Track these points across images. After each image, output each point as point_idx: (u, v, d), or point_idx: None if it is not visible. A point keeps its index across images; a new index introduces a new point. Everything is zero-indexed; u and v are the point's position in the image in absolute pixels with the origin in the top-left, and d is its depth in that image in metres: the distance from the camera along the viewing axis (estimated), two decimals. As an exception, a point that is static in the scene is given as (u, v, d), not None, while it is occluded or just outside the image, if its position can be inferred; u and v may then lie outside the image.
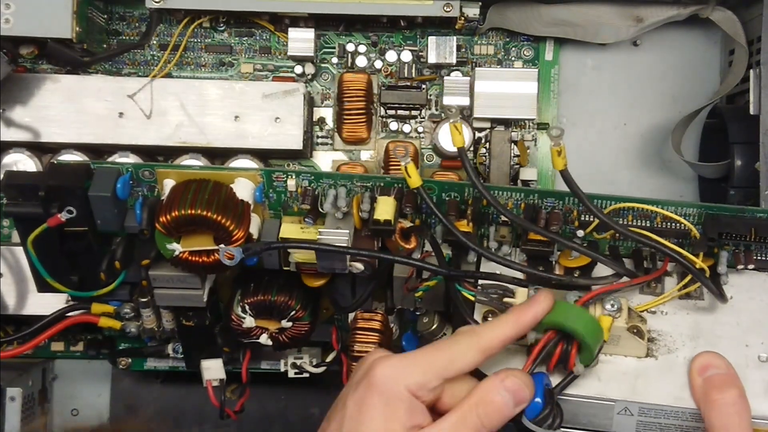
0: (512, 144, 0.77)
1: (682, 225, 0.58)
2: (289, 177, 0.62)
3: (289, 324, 0.67)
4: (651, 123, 0.81)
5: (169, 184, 0.61)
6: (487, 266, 0.60)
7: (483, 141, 0.78)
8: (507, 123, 0.77)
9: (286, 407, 0.88)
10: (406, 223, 0.61)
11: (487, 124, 0.77)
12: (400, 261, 0.61)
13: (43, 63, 0.77)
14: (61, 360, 0.86)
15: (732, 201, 0.73)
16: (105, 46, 0.79)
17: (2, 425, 0.76)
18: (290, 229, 0.63)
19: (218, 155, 0.75)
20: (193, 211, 0.58)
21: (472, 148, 0.78)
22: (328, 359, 0.75)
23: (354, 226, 0.62)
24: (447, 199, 0.61)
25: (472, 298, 0.58)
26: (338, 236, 0.60)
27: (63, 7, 0.71)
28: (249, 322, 0.67)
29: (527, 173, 0.78)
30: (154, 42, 0.79)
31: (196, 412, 0.88)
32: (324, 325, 0.73)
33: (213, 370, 0.72)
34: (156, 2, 0.72)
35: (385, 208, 0.59)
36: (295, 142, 0.74)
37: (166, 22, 0.79)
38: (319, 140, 0.79)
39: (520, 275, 0.57)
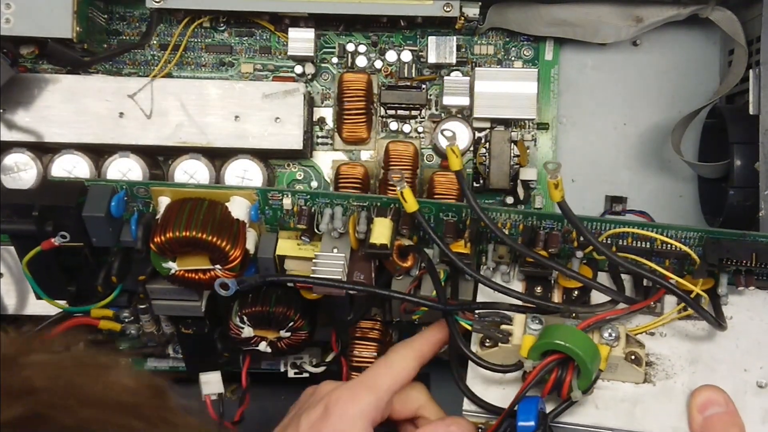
0: (512, 144, 0.77)
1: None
2: (285, 196, 0.61)
3: (288, 334, 0.67)
4: (651, 123, 0.81)
5: (164, 201, 0.61)
6: (484, 289, 0.59)
7: (483, 141, 0.78)
8: (507, 123, 0.77)
9: (286, 407, 0.88)
10: (404, 242, 0.61)
11: (487, 124, 0.77)
12: (396, 297, 0.61)
13: (43, 63, 0.77)
14: (62, 360, 0.86)
15: (732, 201, 0.73)
16: (105, 46, 0.79)
17: (3, 425, 0.76)
18: (287, 246, 0.62)
19: (218, 155, 0.75)
20: (188, 233, 0.58)
21: (472, 148, 0.78)
22: (328, 359, 0.75)
23: (351, 246, 0.61)
24: (444, 219, 0.61)
25: (470, 328, 0.57)
26: (334, 260, 0.59)
27: (63, 7, 0.71)
28: (247, 332, 0.66)
29: (527, 173, 0.77)
30: (155, 42, 0.79)
31: (197, 412, 0.88)
32: (324, 327, 0.73)
33: (211, 384, 0.71)
34: (156, 2, 0.72)
35: (381, 231, 0.59)
36: (295, 142, 0.74)
37: (167, 22, 0.79)
38: (319, 140, 0.79)
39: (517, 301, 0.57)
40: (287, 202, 0.62)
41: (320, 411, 0.53)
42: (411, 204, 0.57)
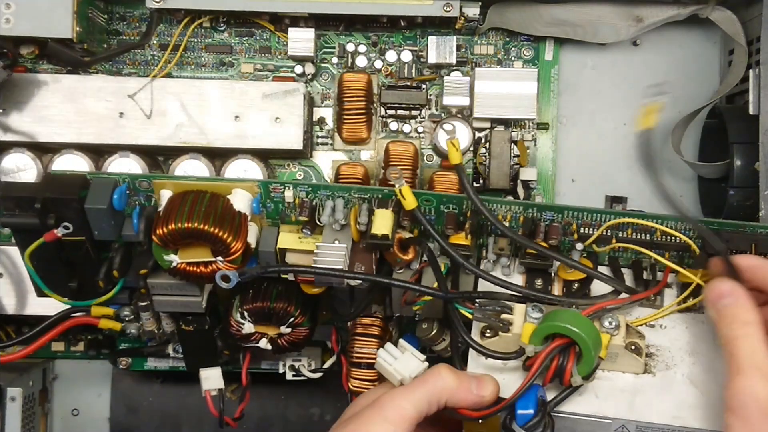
0: (512, 144, 0.77)
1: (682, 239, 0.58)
2: (287, 188, 0.61)
3: (288, 330, 0.67)
4: (651, 123, 0.81)
5: (166, 194, 0.61)
6: (485, 282, 0.59)
7: (483, 141, 0.78)
8: (507, 123, 0.77)
9: (285, 407, 0.88)
10: (405, 234, 0.61)
11: (487, 124, 0.77)
12: (397, 285, 0.61)
13: (43, 63, 0.77)
14: (62, 360, 0.86)
15: (732, 201, 0.73)
16: (105, 46, 0.79)
17: (3, 425, 0.76)
18: (288, 239, 0.62)
19: (218, 155, 0.75)
20: (189, 225, 0.58)
21: (472, 148, 0.78)
22: (327, 364, 0.75)
23: (352, 237, 0.61)
24: (446, 211, 0.61)
25: (470, 316, 0.58)
26: (335, 251, 0.59)
27: (63, 7, 0.71)
28: (248, 328, 0.66)
29: (527, 173, 0.78)
30: (155, 42, 0.79)
31: (197, 411, 0.88)
32: (324, 325, 0.73)
33: (211, 379, 0.71)
34: (156, 2, 0.72)
35: (382, 222, 0.59)
36: (295, 142, 0.74)
37: (167, 22, 0.79)
38: (319, 140, 0.79)
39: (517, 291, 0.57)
40: (289, 194, 0.62)
41: None
42: (410, 201, 0.58)
